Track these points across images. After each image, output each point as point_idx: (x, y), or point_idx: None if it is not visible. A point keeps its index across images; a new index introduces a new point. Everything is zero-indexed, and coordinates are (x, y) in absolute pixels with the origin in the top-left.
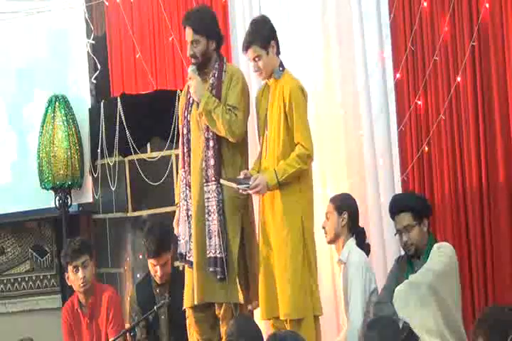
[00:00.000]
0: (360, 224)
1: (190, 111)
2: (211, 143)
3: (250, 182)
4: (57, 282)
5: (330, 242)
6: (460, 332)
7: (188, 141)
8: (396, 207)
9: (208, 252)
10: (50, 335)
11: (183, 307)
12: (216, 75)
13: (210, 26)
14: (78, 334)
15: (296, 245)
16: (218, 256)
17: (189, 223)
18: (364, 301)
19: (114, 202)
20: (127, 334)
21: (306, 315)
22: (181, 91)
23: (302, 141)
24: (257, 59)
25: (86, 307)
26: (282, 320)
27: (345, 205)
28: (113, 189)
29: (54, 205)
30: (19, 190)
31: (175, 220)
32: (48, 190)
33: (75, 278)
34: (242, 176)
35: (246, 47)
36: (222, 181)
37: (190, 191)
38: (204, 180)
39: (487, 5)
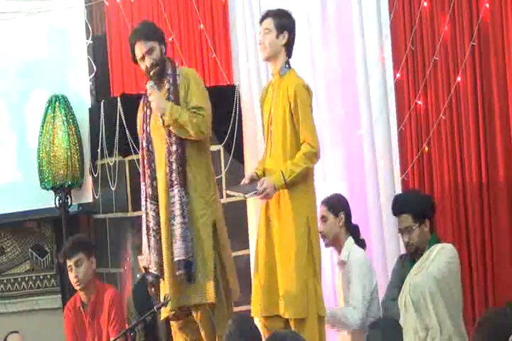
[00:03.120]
0: (360, 224)
1: (149, 122)
2: (174, 148)
3: (257, 188)
4: (57, 282)
5: (328, 245)
6: (462, 332)
7: (149, 152)
8: (397, 208)
9: (173, 257)
10: (50, 335)
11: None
12: (171, 80)
13: (158, 32)
14: (80, 332)
15: (302, 245)
16: (182, 258)
17: (149, 235)
18: (364, 294)
19: (114, 202)
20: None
21: (310, 315)
22: None
23: (308, 139)
24: (266, 31)
25: (88, 306)
26: (279, 319)
27: (339, 205)
28: (113, 189)
29: (54, 205)
30: (19, 190)
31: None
32: (48, 190)
33: (70, 276)
34: (247, 180)
35: (264, 16)
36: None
37: (150, 203)
38: (168, 185)
39: (487, 5)
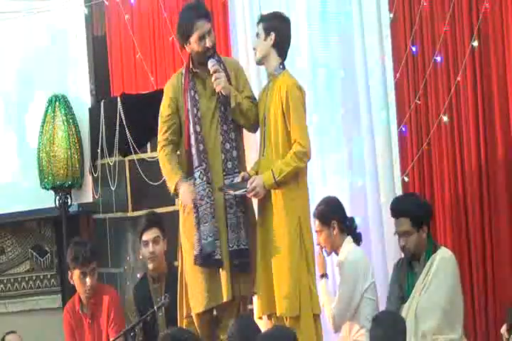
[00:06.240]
0: (360, 224)
1: (199, 107)
2: (232, 135)
3: (247, 186)
4: (57, 282)
5: (330, 254)
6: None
7: (203, 138)
8: (396, 211)
9: (231, 245)
10: (50, 335)
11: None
12: (222, 66)
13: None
14: (80, 334)
15: (294, 244)
16: (243, 247)
17: (215, 223)
18: (350, 296)
19: (114, 202)
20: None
21: (304, 313)
22: None
23: (299, 138)
24: (257, 36)
25: (87, 308)
26: (282, 318)
27: (329, 214)
28: (113, 189)
29: (54, 205)
30: (19, 189)
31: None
32: (48, 190)
33: (81, 283)
34: (239, 179)
35: (257, 23)
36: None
37: (211, 188)
38: (224, 173)
39: (487, 5)
